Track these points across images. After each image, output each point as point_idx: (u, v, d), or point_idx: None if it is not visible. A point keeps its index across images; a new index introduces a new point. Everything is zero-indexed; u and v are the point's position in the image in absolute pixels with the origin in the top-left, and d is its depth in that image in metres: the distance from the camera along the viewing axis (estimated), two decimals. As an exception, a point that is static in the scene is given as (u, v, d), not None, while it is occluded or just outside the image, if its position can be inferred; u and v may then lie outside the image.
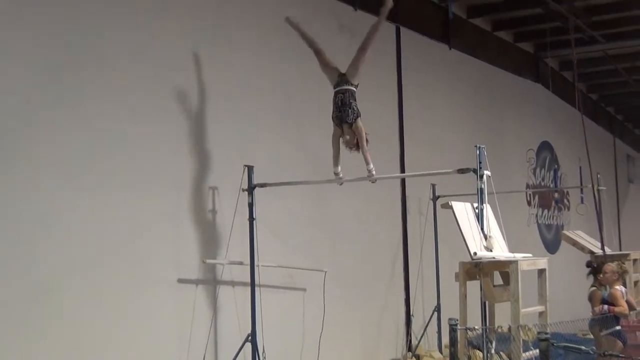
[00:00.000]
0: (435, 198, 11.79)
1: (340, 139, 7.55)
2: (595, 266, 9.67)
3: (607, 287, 9.15)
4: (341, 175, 7.79)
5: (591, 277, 9.58)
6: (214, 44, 8.74)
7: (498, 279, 7.86)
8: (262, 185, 8.25)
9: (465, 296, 7.66)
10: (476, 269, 7.45)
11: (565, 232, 13.98)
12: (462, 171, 7.25)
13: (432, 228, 11.83)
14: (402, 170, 11.84)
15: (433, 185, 11.85)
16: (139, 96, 7.77)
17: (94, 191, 7.22)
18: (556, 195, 18.32)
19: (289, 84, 9.80)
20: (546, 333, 6.06)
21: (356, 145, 7.51)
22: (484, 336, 7.45)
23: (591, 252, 11.95)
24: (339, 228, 10.38)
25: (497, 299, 7.64)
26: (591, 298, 9.22)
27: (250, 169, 8.25)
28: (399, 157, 11.93)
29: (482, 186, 7.05)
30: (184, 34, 8.37)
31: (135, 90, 7.74)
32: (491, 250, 7.43)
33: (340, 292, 10.03)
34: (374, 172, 7.63)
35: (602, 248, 11.41)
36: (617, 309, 8.79)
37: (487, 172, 7.08)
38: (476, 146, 7.16)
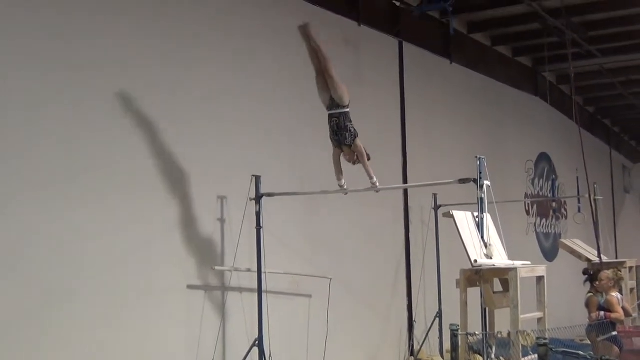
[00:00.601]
0: (436, 207, 11.85)
1: (341, 156, 7.64)
2: (592, 273, 9.73)
3: (604, 294, 9.30)
4: (345, 186, 7.91)
5: (588, 284, 9.63)
6: (223, 53, 8.80)
7: (498, 286, 7.94)
8: (270, 195, 8.31)
9: (466, 302, 7.72)
10: (476, 276, 7.51)
11: (563, 240, 14.00)
12: (463, 181, 7.31)
13: (433, 236, 11.89)
14: (405, 180, 11.90)
15: (435, 195, 11.92)
16: (149, 105, 7.80)
17: (105, 200, 7.25)
18: (554, 204, 18.29)
19: (298, 94, 9.81)
20: (545, 338, 6.13)
21: (357, 161, 7.60)
22: (484, 341, 7.51)
23: (588, 260, 11.99)
24: (344, 236, 10.43)
25: (497, 305, 7.70)
26: (588, 304, 9.28)
27: (257, 178, 8.30)
28: (402, 168, 12.01)
29: (482, 196, 7.10)
30: (192, 42, 8.41)
31: (145, 99, 7.77)
32: (491, 258, 7.49)
33: (345, 299, 10.07)
34: (377, 184, 7.78)
35: (599, 256, 11.43)
36: (613, 316, 8.88)
37: (487, 182, 7.14)
38: (476, 157, 7.24)
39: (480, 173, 7.16)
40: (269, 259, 8.37)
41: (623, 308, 9.09)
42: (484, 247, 7.44)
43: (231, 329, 8.49)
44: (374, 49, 11.59)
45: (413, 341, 11.59)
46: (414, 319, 11.72)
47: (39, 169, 6.72)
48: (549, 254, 17.40)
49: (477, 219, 7.60)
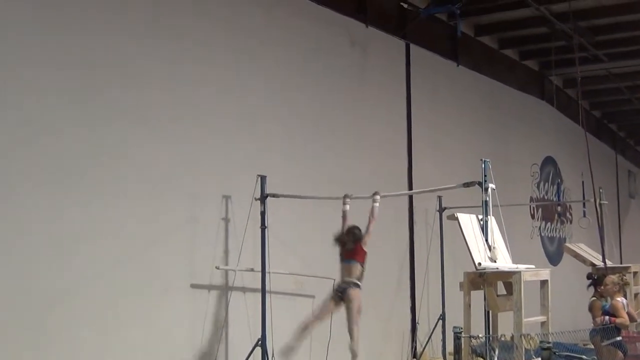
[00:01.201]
0: (441, 210, 11.84)
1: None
2: (596, 278, 9.71)
3: (608, 298, 9.29)
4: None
5: (592, 289, 9.61)
6: (229, 52, 8.83)
7: (501, 289, 7.95)
8: (274, 196, 8.35)
9: (470, 305, 7.76)
10: (480, 279, 7.55)
11: (567, 244, 13.97)
12: (467, 184, 7.33)
13: (438, 239, 11.88)
14: (410, 182, 11.91)
15: (439, 198, 11.89)
16: (154, 104, 7.84)
17: (110, 200, 7.28)
18: (559, 208, 18.33)
19: (302, 94, 9.90)
20: (548, 342, 6.19)
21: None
22: (487, 344, 7.56)
23: (593, 265, 11.94)
24: (348, 237, 10.51)
25: (500, 308, 7.73)
26: (591, 308, 9.26)
27: (263, 179, 8.32)
28: (407, 170, 12.03)
29: (487, 199, 7.10)
30: (198, 40, 8.43)
31: (151, 99, 7.81)
32: (495, 261, 7.53)
33: (348, 300, 10.16)
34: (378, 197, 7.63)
35: (604, 260, 11.39)
36: (618, 320, 8.85)
37: (492, 186, 7.13)
38: (482, 160, 7.26)
39: (485, 176, 7.16)
40: (273, 259, 8.41)
41: (628, 313, 9.06)
42: (488, 250, 7.48)
43: (234, 329, 8.51)
44: (380, 50, 11.61)
45: (416, 343, 11.60)
46: (417, 321, 11.74)
47: (40, 168, 6.75)
48: (553, 258, 17.39)
49: (481, 222, 7.59)
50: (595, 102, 20.50)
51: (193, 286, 8.14)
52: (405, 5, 12.00)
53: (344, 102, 10.72)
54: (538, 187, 17.35)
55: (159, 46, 7.96)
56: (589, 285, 9.68)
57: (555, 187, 18.01)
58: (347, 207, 7.66)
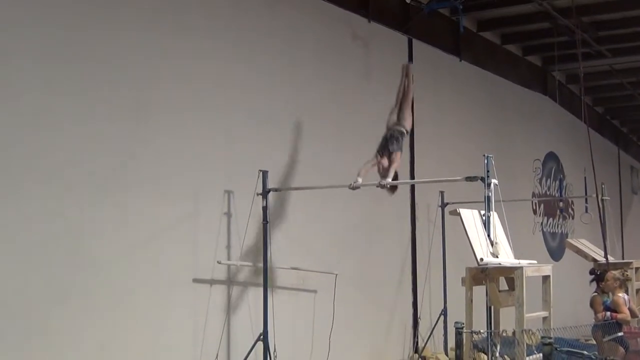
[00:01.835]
0: (443, 205, 11.87)
1: (372, 165, 8.21)
2: (598, 274, 9.76)
3: (610, 294, 9.31)
4: (359, 183, 8.10)
5: (594, 284, 9.66)
6: (231, 48, 8.83)
7: (503, 285, 7.96)
8: (276, 190, 8.39)
9: (471, 300, 7.75)
10: (482, 274, 7.51)
11: (569, 240, 13.99)
12: (470, 179, 7.34)
13: (440, 234, 11.91)
14: (412, 177, 11.93)
15: (442, 193, 11.95)
16: (157, 101, 7.86)
17: (113, 195, 7.31)
18: (561, 204, 18.29)
19: (304, 89, 9.91)
20: (550, 338, 6.19)
21: (385, 172, 8.14)
22: (489, 340, 7.51)
23: (595, 260, 11.98)
24: (350, 232, 10.47)
25: (502, 303, 7.69)
26: (592, 304, 9.32)
27: (264, 173, 8.35)
28: (409, 165, 12.02)
29: (490, 194, 7.12)
30: (202, 39, 8.44)
31: (154, 95, 7.83)
32: (497, 257, 7.51)
33: (350, 295, 10.12)
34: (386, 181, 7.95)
35: (606, 256, 11.43)
36: (619, 316, 8.89)
37: (494, 181, 7.15)
38: (484, 155, 7.26)
39: (488, 171, 7.19)
40: (275, 254, 8.43)
41: (629, 309, 9.10)
42: (490, 246, 7.45)
43: (236, 324, 8.54)
44: (383, 45, 11.60)
45: (417, 338, 11.61)
46: (418, 316, 11.75)
47: (42, 164, 6.76)
48: (555, 254, 17.41)
49: (483, 217, 7.59)
50: (598, 98, 20.48)
51: (195, 281, 8.16)
52: (408, 1, 12.01)
53: (346, 97, 10.72)
54: (540, 182, 17.36)
55: (160, 42, 7.96)
56: (592, 281, 9.72)
57: (557, 182, 18.00)
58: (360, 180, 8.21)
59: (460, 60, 13.78)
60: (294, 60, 9.77)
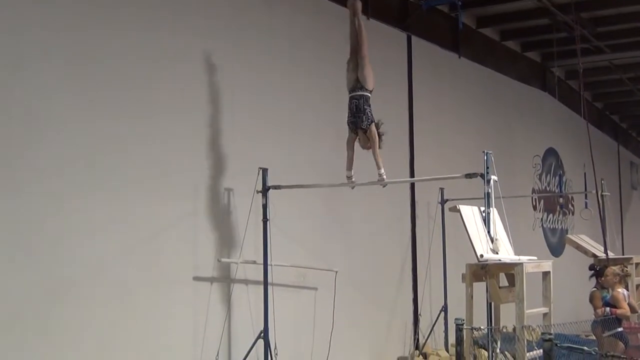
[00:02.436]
0: (443, 202, 11.91)
1: (355, 142, 7.73)
2: (598, 269, 9.78)
3: (609, 289, 9.31)
4: (354, 179, 7.99)
5: (593, 280, 9.66)
6: (230, 47, 8.82)
7: (504, 281, 7.93)
8: (276, 187, 8.35)
9: (472, 297, 7.71)
10: (482, 270, 7.49)
11: (569, 236, 13.97)
12: (469, 176, 7.35)
13: (440, 230, 11.95)
14: (412, 175, 11.92)
15: (441, 189, 11.97)
16: (157, 99, 7.85)
17: (112, 193, 7.30)
18: (561, 200, 18.30)
19: (304, 87, 9.91)
20: (550, 334, 6.17)
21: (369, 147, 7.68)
22: (490, 336, 7.47)
23: (594, 256, 11.96)
24: (350, 229, 10.48)
25: (502, 300, 7.66)
26: (592, 299, 9.33)
27: (264, 171, 8.35)
28: (409, 162, 12.04)
29: (489, 190, 7.13)
30: (201, 38, 8.44)
31: (154, 93, 7.82)
32: (497, 253, 7.50)
33: (351, 292, 10.14)
34: (384, 177, 7.82)
35: (605, 252, 11.39)
36: (619, 311, 8.91)
37: (494, 177, 7.15)
38: (484, 152, 7.26)
39: (487, 168, 7.18)
40: (275, 252, 8.42)
41: (629, 304, 9.11)
42: (490, 242, 7.44)
43: (237, 321, 8.55)
44: (382, 42, 11.58)
45: (418, 335, 11.64)
46: (419, 313, 11.78)
47: (43, 162, 6.76)
48: (555, 250, 17.43)
49: (483, 214, 7.58)
50: (597, 94, 20.50)
51: (195, 279, 8.16)
52: (407, -3, 12.02)
53: (345, 94, 10.66)
54: (540, 178, 17.37)
55: (159, 40, 7.95)
56: (591, 276, 9.72)
57: (557, 178, 18.02)
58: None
59: (460, 57, 13.79)
60: (293, 57, 9.77)
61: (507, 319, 7.69)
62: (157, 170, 7.82)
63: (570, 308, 12.67)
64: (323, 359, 9.30)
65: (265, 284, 8.35)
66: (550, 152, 18.03)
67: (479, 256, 7.40)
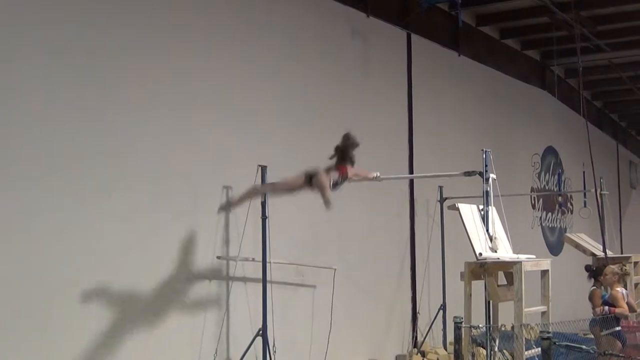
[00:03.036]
0: (442, 200, 11.91)
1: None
2: (594, 269, 9.77)
3: (608, 288, 9.31)
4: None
5: (592, 280, 9.69)
6: (230, 44, 8.81)
7: (502, 279, 7.96)
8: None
9: (470, 295, 7.75)
10: (481, 269, 7.55)
11: (568, 234, 14.00)
12: (468, 174, 7.40)
13: (438, 229, 11.96)
14: (411, 172, 11.93)
15: (440, 187, 11.97)
16: (154, 96, 7.82)
17: (111, 191, 7.29)
18: (560, 198, 18.37)
19: (303, 84, 9.90)
20: (548, 332, 6.14)
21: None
22: (488, 334, 7.57)
23: (593, 255, 11.99)
24: (349, 227, 10.46)
25: (501, 298, 7.72)
26: (591, 297, 9.30)
27: (263, 168, 8.33)
28: (408, 160, 12.04)
29: (488, 189, 7.20)
30: (199, 33, 8.42)
31: (151, 90, 7.79)
32: (496, 251, 7.55)
33: (349, 289, 10.14)
34: (378, 174, 7.95)
35: (604, 251, 11.42)
36: (617, 310, 8.89)
37: (492, 176, 7.20)
38: (483, 150, 7.30)
39: (486, 166, 7.25)
40: (274, 249, 8.43)
41: (628, 303, 9.11)
42: (489, 240, 7.50)
43: (235, 319, 8.54)
44: (382, 40, 11.60)
45: (416, 333, 11.64)
46: (417, 311, 11.79)
47: (40, 160, 6.74)
48: (554, 248, 17.44)
49: (482, 212, 7.64)
50: (596, 92, 20.51)
51: (194, 276, 8.15)
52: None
53: (345, 92, 10.72)
54: (539, 177, 17.38)
55: (158, 38, 7.94)
56: (589, 277, 9.71)
57: (556, 177, 18.02)
58: None
59: (459, 55, 13.78)
60: (293, 55, 9.76)
61: (506, 318, 7.71)
62: (157, 168, 7.80)
63: (569, 307, 12.68)
64: (321, 357, 9.31)
65: (264, 281, 8.34)
66: (550, 151, 18.03)
67: (477, 254, 7.45)
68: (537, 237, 16.98)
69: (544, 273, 8.08)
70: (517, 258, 7.62)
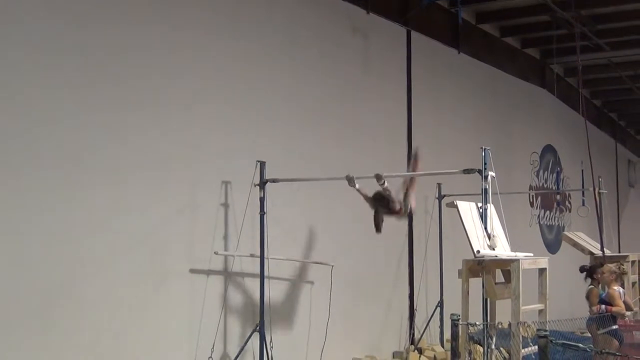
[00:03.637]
0: (440, 197, 11.92)
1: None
2: (588, 268, 9.80)
3: (605, 287, 9.32)
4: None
5: (589, 280, 9.71)
6: (229, 40, 8.82)
7: (500, 277, 7.95)
8: (274, 181, 8.35)
9: (468, 293, 7.73)
10: (479, 266, 7.53)
11: (566, 233, 14.03)
12: (467, 171, 7.37)
13: (437, 226, 11.96)
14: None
15: (439, 185, 11.98)
16: (153, 92, 7.85)
17: (110, 186, 7.31)
18: (558, 197, 18.38)
19: (303, 81, 9.91)
20: (545, 330, 6.16)
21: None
22: (485, 332, 7.52)
23: (591, 253, 12.00)
24: (347, 223, 10.43)
25: (498, 296, 7.70)
26: (589, 296, 9.35)
27: (262, 164, 8.34)
28: (407, 157, 11.97)
29: (487, 187, 7.15)
30: (200, 32, 8.44)
31: (151, 86, 7.81)
32: (494, 249, 7.54)
33: (347, 286, 10.14)
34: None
35: (602, 249, 11.44)
36: (614, 309, 8.90)
37: (491, 173, 7.17)
38: (482, 148, 7.27)
39: (485, 164, 7.21)
40: (272, 245, 8.43)
41: (624, 302, 9.11)
42: (487, 238, 7.48)
43: (233, 314, 8.55)
44: (382, 37, 11.60)
45: (414, 330, 11.67)
46: (415, 308, 11.80)
47: (39, 156, 6.77)
48: (552, 246, 17.45)
49: (480, 210, 7.62)
50: (596, 91, 20.51)
51: (192, 271, 8.17)
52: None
53: (344, 89, 10.73)
54: (537, 175, 17.39)
55: (158, 33, 7.95)
56: (586, 277, 9.74)
57: (554, 175, 18.04)
58: (357, 185, 7.88)
59: (459, 53, 13.78)
60: (293, 51, 9.77)
61: (503, 315, 7.72)
62: (155, 163, 7.81)
63: (566, 305, 12.69)
64: (318, 353, 9.31)
65: (262, 277, 8.34)
66: (548, 149, 18.04)
67: (475, 252, 7.44)
68: (535, 235, 16.98)
69: (542, 271, 8.07)
70: (515, 256, 7.63)
